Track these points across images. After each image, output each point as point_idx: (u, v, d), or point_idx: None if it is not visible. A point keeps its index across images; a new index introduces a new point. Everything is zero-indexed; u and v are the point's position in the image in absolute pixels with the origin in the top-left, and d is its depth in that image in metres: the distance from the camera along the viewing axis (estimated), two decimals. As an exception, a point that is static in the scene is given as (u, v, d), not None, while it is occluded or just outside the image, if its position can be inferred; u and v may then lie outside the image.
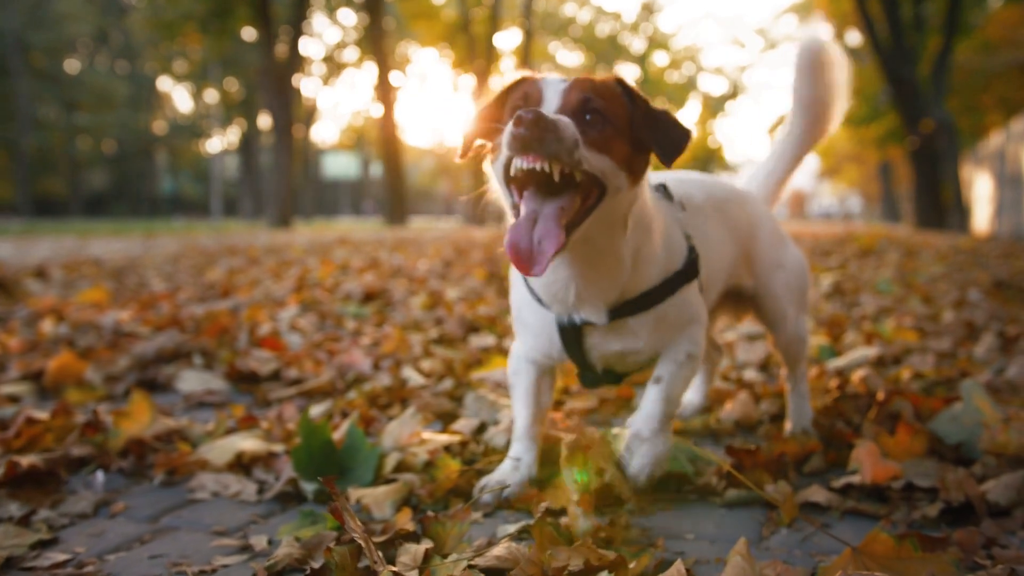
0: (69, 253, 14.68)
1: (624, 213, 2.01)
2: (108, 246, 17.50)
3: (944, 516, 2.15)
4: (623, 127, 1.93)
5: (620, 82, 2.01)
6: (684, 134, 2.01)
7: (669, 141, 1.97)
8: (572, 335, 2.18)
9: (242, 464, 2.56)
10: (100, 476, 2.48)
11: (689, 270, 2.24)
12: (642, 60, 64.75)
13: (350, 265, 11.07)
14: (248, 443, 2.63)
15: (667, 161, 1.95)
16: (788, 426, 2.97)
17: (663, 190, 2.34)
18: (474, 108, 2.11)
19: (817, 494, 2.29)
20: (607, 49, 62.29)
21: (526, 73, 2.04)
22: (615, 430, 2.63)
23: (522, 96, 1.95)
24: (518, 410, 2.43)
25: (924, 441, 2.50)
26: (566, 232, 1.84)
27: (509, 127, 1.74)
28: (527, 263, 1.82)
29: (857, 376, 3.31)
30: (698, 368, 2.32)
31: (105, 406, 3.48)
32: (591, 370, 2.28)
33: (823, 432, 2.84)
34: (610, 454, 2.40)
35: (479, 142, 2.05)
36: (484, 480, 2.36)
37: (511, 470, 2.37)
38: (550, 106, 1.88)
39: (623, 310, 2.14)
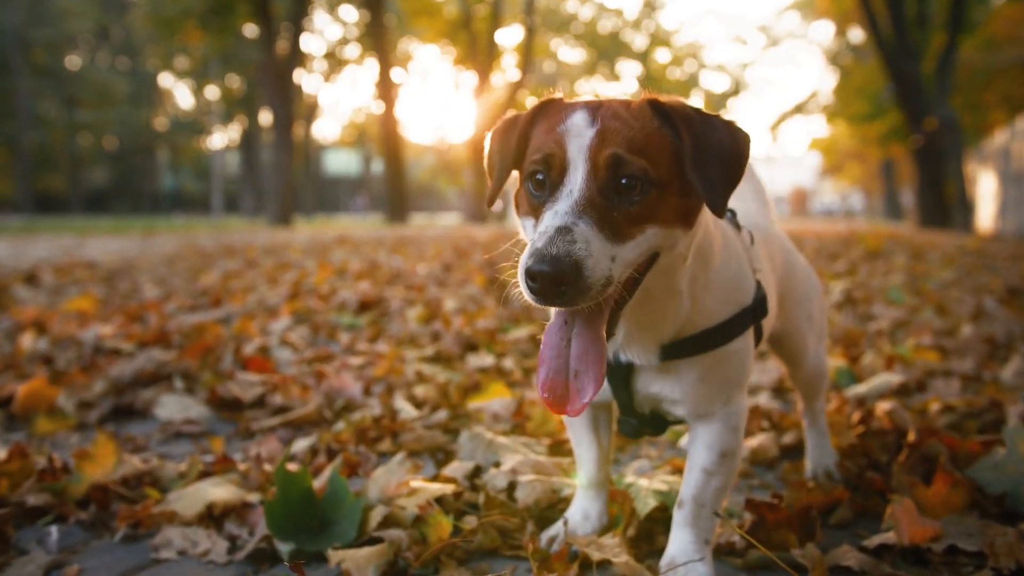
0: (64, 253, 14.48)
1: (683, 253, 1.72)
2: (105, 246, 17.30)
3: (993, 586, 1.92)
4: (669, 176, 1.61)
5: (656, 107, 1.66)
6: (735, 162, 1.66)
7: (717, 181, 1.62)
8: (619, 373, 1.91)
9: (213, 516, 2.33)
10: (54, 533, 2.25)
11: (758, 308, 1.95)
12: (644, 57, 64.37)
13: (348, 268, 10.84)
14: (221, 491, 2.40)
15: (716, 210, 1.61)
16: (808, 467, 2.75)
17: (731, 215, 2.06)
18: (494, 136, 1.81)
19: (848, 556, 2.05)
20: (609, 46, 61.91)
21: (552, 97, 1.74)
22: (628, 479, 2.42)
23: (542, 159, 1.62)
24: (580, 455, 2.23)
25: (964, 493, 2.27)
26: (617, 306, 1.62)
27: (521, 272, 1.48)
28: (561, 404, 1.59)
29: (881, 409, 3.08)
30: (736, 466, 1.99)
31: (76, 437, 3.26)
32: (633, 414, 1.99)
33: (849, 476, 2.62)
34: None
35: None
36: (552, 530, 2.20)
37: (581, 521, 2.22)
38: (575, 178, 1.56)
39: (680, 349, 1.84)
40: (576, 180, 1.56)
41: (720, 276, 1.86)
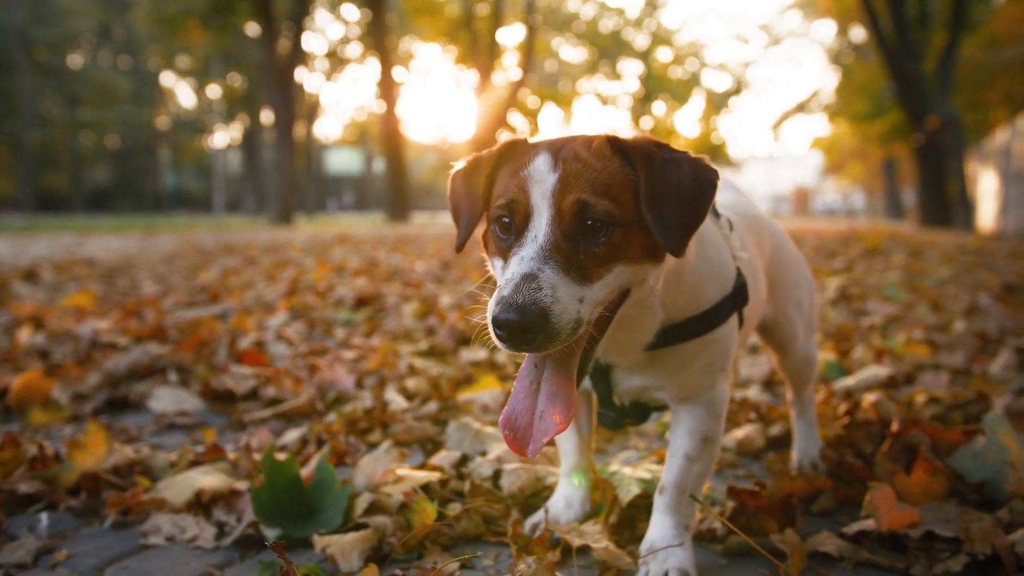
0: (65, 251, 14.51)
1: (653, 285, 1.71)
2: (105, 244, 17.33)
3: (969, 570, 1.94)
4: (633, 215, 1.60)
5: (615, 145, 1.66)
6: (695, 203, 1.63)
7: (673, 222, 1.60)
8: (599, 370, 1.95)
9: (202, 503, 2.36)
10: (44, 519, 2.28)
11: (737, 296, 1.96)
12: (645, 56, 64.37)
13: (346, 266, 10.87)
14: (210, 479, 2.43)
15: (673, 251, 1.60)
16: (795, 457, 2.78)
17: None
18: (458, 178, 1.83)
19: (828, 543, 2.08)
20: (610, 45, 61.92)
21: (516, 138, 1.75)
22: (613, 467, 2.45)
23: (506, 204, 1.63)
24: (562, 444, 2.28)
25: (944, 481, 2.29)
26: (589, 345, 1.64)
27: (489, 321, 1.49)
28: (522, 442, 1.60)
29: (867, 401, 3.10)
30: (716, 452, 2.02)
31: (69, 429, 3.29)
32: (613, 407, 2.02)
33: (832, 466, 2.64)
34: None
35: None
36: (536, 517, 2.24)
37: (563, 508, 2.26)
38: (540, 223, 1.57)
39: (661, 340, 1.86)
40: (541, 225, 1.57)
41: (698, 268, 1.87)
